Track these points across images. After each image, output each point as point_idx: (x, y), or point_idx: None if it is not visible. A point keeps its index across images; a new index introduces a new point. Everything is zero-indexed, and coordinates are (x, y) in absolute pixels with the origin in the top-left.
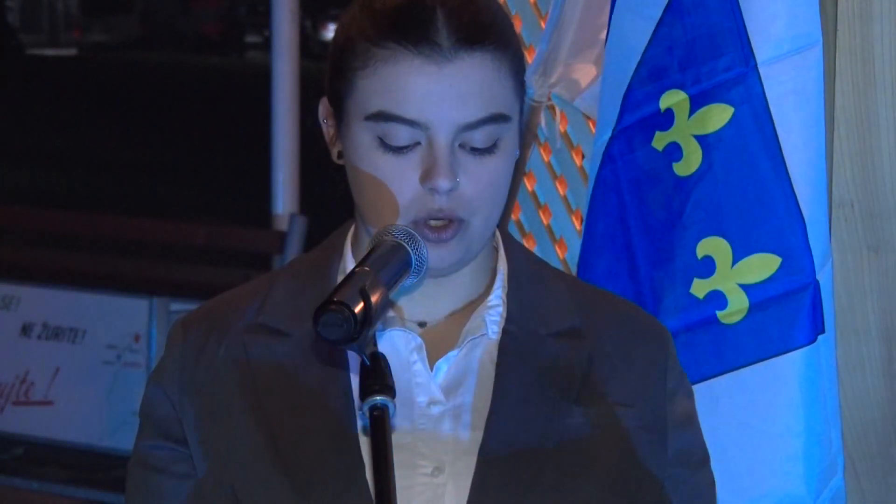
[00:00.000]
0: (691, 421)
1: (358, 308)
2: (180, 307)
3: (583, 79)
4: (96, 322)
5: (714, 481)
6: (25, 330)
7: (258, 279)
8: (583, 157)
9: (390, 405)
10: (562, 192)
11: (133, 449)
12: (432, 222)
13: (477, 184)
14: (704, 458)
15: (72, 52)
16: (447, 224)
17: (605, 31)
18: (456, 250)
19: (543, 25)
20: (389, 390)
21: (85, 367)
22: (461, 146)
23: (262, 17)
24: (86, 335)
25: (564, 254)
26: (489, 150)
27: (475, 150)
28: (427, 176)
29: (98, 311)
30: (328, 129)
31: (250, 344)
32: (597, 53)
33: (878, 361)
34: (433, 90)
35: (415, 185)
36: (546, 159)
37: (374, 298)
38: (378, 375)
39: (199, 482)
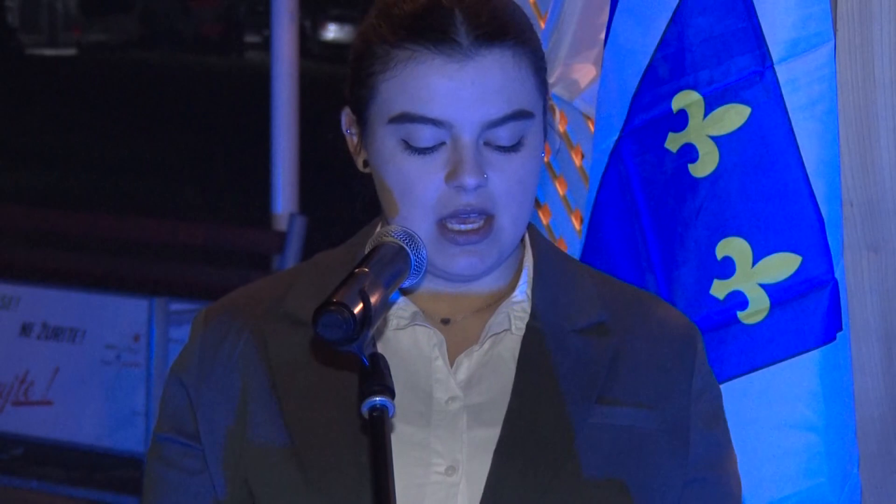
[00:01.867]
0: (717, 421)
1: (357, 309)
2: (180, 307)
3: (582, 79)
4: (96, 322)
5: (740, 480)
6: (25, 330)
7: (282, 272)
8: (582, 156)
9: (390, 406)
10: (561, 192)
11: (152, 435)
12: (459, 226)
13: (505, 181)
14: (729, 458)
15: (71, 51)
16: (477, 228)
17: (605, 32)
18: (487, 256)
19: (543, 25)
20: (389, 391)
21: (84, 366)
22: (487, 144)
23: (262, 17)
24: (85, 335)
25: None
26: (515, 147)
27: (501, 148)
28: (453, 174)
29: (98, 311)
30: (352, 138)
31: (271, 334)
32: (596, 53)
33: (877, 361)
34: (455, 88)
35: (440, 184)
36: (545, 159)
37: (373, 299)
38: (377, 376)
39: (211, 475)
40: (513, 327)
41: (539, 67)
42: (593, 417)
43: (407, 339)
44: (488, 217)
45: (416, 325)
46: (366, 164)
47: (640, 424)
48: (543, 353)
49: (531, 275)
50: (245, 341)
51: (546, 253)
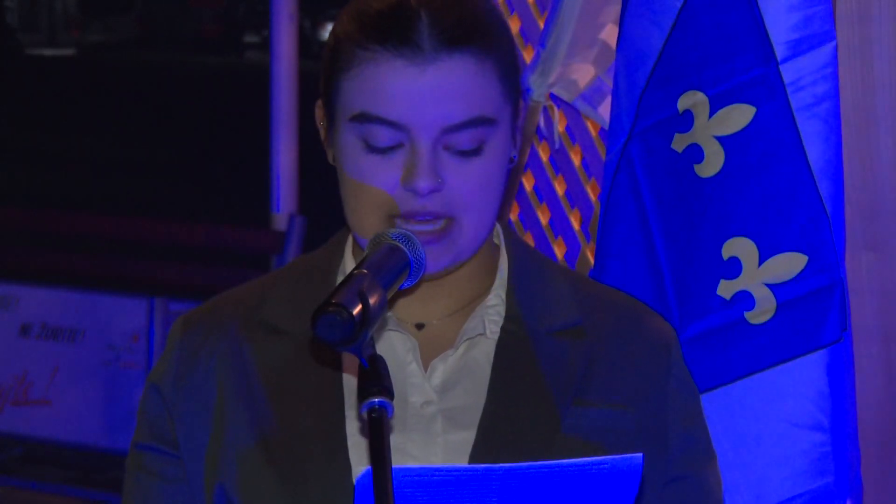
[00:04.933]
0: (694, 421)
1: (356, 310)
2: (179, 307)
3: (581, 79)
4: (95, 322)
5: (720, 480)
6: (24, 330)
7: (260, 278)
8: (581, 156)
9: (389, 407)
10: (560, 192)
11: (130, 444)
12: (416, 227)
13: (464, 184)
14: (709, 458)
15: (70, 51)
16: (434, 230)
17: (604, 31)
18: (446, 252)
19: (542, 25)
20: (387, 392)
21: (83, 367)
22: (446, 148)
23: (261, 17)
24: (84, 335)
25: (563, 253)
26: (475, 151)
27: (460, 153)
28: (408, 177)
29: (97, 312)
30: (322, 131)
31: (248, 341)
32: (595, 53)
33: (876, 361)
34: (414, 92)
35: (396, 184)
36: (544, 158)
37: (371, 300)
38: (376, 377)
39: (191, 483)
40: (487, 331)
41: (507, 74)
42: (570, 419)
43: (381, 344)
44: (447, 219)
45: (390, 330)
46: (335, 158)
47: (617, 425)
48: (518, 356)
49: (506, 277)
50: (222, 349)
51: (521, 255)
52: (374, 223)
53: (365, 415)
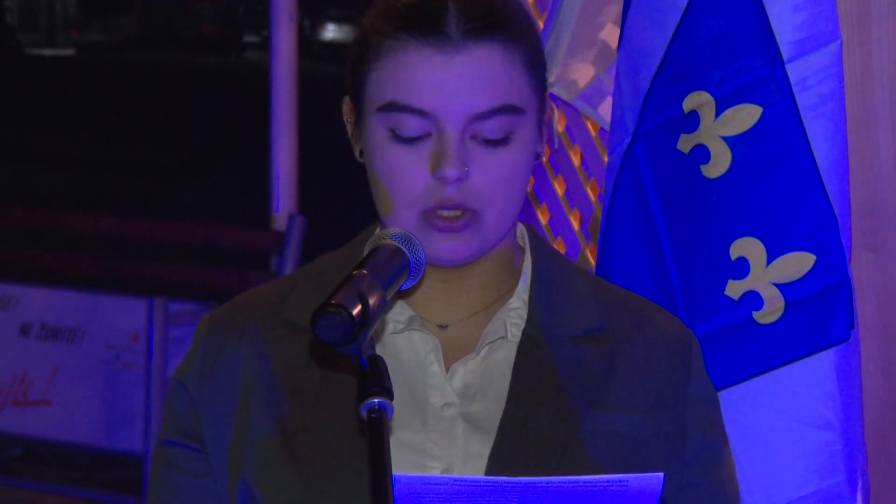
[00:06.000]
0: (713, 427)
1: (356, 310)
2: (179, 307)
3: (581, 79)
4: (95, 322)
5: (738, 487)
6: (24, 330)
7: (284, 276)
8: (581, 156)
9: (388, 407)
10: (560, 192)
11: (156, 440)
12: (443, 213)
13: (490, 176)
14: (726, 465)
15: (70, 51)
16: (459, 215)
17: (604, 31)
18: (470, 243)
19: (542, 25)
20: (387, 393)
21: (83, 367)
22: (473, 138)
23: (261, 17)
24: (84, 335)
25: (563, 253)
26: (502, 141)
27: (488, 142)
28: (436, 165)
29: (96, 311)
30: (350, 127)
31: (271, 339)
32: (595, 53)
33: (876, 361)
34: (442, 80)
35: (425, 175)
36: (544, 159)
37: (371, 301)
38: (376, 378)
39: (217, 479)
40: (508, 334)
41: (535, 64)
42: (589, 424)
43: (403, 343)
44: (470, 212)
45: (413, 329)
46: (362, 153)
47: (636, 430)
48: (539, 360)
49: (529, 280)
50: (247, 347)
51: (545, 257)
52: (408, 218)
53: (364, 415)
